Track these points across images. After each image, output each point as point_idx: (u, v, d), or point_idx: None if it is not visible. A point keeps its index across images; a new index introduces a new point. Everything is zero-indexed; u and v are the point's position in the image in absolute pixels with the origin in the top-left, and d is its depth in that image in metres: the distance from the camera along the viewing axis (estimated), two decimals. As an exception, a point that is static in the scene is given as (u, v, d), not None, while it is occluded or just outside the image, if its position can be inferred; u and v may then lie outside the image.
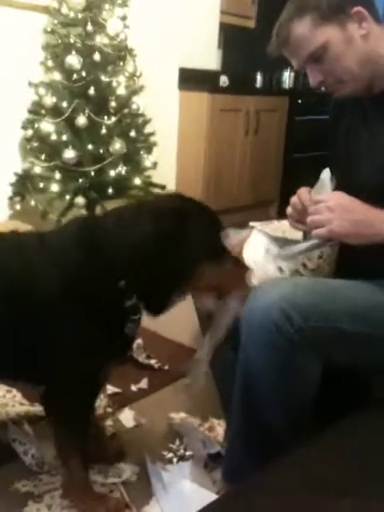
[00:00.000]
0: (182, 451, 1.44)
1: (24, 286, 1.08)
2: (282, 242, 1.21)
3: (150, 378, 1.78)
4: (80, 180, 2.69)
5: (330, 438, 0.97)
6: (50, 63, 2.69)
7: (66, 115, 2.63)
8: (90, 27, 2.63)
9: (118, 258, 1.07)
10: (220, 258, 1.13)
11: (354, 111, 1.29)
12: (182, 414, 1.60)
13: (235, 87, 3.88)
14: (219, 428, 1.53)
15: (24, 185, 2.77)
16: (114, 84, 2.72)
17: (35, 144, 2.73)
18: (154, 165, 3.01)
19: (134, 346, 1.89)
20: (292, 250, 1.16)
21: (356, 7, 1.13)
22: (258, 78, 4.37)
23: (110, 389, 1.69)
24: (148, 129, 2.99)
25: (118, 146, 2.66)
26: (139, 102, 2.84)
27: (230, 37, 4.14)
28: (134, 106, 2.81)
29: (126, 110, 2.79)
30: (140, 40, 2.99)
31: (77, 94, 2.65)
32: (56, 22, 2.68)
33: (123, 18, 2.72)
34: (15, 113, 2.76)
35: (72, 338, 1.09)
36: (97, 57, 2.64)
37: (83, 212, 2.92)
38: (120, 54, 2.76)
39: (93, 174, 2.70)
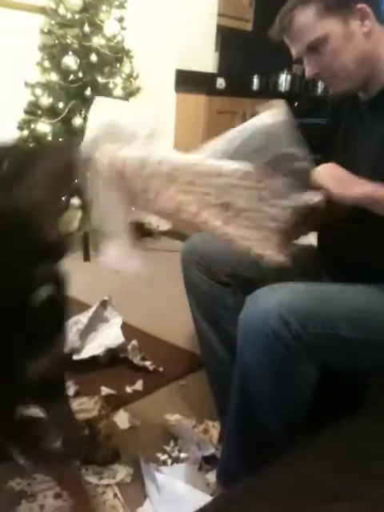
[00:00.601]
0: (176, 453, 1.44)
1: None
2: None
3: (144, 380, 1.77)
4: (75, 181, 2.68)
5: (324, 441, 0.97)
6: (46, 64, 2.69)
7: (63, 116, 2.63)
8: (87, 28, 2.63)
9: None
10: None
11: (351, 114, 1.29)
12: (177, 416, 1.60)
13: (232, 90, 3.89)
14: (214, 430, 1.53)
15: (20, 185, 2.76)
16: (111, 85, 2.72)
17: (31, 145, 2.72)
18: (151, 166, 3.01)
19: (129, 347, 1.89)
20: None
21: (360, 4, 1.13)
22: (255, 80, 4.38)
23: (105, 390, 1.68)
24: (144, 130, 2.99)
25: (114, 147, 2.65)
26: (136, 104, 2.84)
27: (227, 39, 4.15)
28: (131, 108, 2.81)
29: (122, 112, 2.79)
30: (137, 42, 2.99)
31: (73, 95, 2.65)
32: (53, 22, 2.67)
33: (120, 20, 2.72)
34: (11, 113, 2.75)
35: None
36: (94, 58, 2.64)
37: (78, 213, 2.92)
38: (117, 55, 2.76)
39: (89, 175, 2.69)
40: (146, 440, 1.50)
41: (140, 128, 1.05)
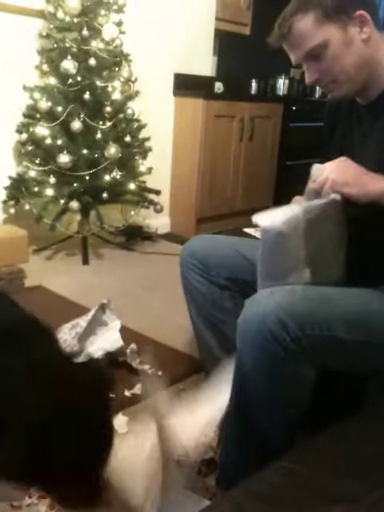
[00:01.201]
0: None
1: None
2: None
3: (143, 384, 1.77)
4: (74, 184, 2.69)
5: (322, 443, 0.97)
6: (45, 67, 2.70)
7: (61, 119, 2.63)
8: (85, 32, 2.63)
9: None
10: None
11: (349, 116, 1.30)
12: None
13: (230, 93, 3.90)
14: (213, 434, 1.53)
15: (18, 189, 2.76)
16: (110, 89, 2.72)
17: (30, 148, 2.73)
18: (149, 170, 3.01)
19: (128, 351, 1.89)
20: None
21: (359, 11, 1.14)
22: (253, 84, 4.39)
23: (104, 394, 1.68)
24: (143, 134, 3.00)
25: (112, 150, 2.66)
26: (134, 108, 2.84)
27: (225, 43, 4.16)
28: (129, 111, 2.81)
29: (121, 115, 2.79)
30: (135, 45, 3.01)
31: (72, 99, 2.66)
32: (52, 26, 2.68)
33: (119, 24, 2.73)
34: (10, 117, 2.76)
35: None
36: (92, 62, 2.64)
37: (77, 216, 2.92)
38: (115, 59, 2.76)
39: (87, 178, 2.70)
40: (144, 443, 1.49)
41: None
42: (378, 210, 1.08)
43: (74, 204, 2.64)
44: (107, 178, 2.74)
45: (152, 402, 1.10)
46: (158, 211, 3.11)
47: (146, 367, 1.85)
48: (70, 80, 2.63)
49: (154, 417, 1.06)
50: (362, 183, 1.07)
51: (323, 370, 1.14)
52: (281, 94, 4.60)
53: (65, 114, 2.62)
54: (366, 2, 1.17)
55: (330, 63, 1.17)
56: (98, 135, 2.70)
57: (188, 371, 1.86)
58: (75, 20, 2.62)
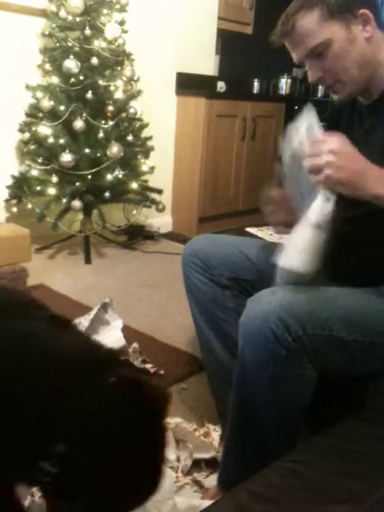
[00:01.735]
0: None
1: None
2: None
3: (145, 383, 1.77)
4: (77, 183, 2.69)
5: (323, 443, 0.97)
6: (47, 66, 2.70)
7: (64, 119, 2.63)
8: (88, 31, 2.64)
9: None
10: None
11: (351, 117, 1.30)
12: (178, 419, 1.60)
13: (232, 93, 3.90)
14: (215, 433, 1.53)
15: (21, 188, 2.77)
16: (112, 88, 2.72)
17: (32, 147, 2.73)
18: (151, 169, 3.01)
19: (130, 350, 1.90)
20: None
21: (363, 9, 1.14)
22: (255, 83, 4.39)
23: (105, 393, 1.68)
24: (145, 133, 3.00)
25: (115, 149, 2.66)
26: (137, 107, 2.84)
27: (228, 43, 4.16)
28: (132, 111, 2.82)
29: (123, 114, 2.79)
30: (138, 45, 3.01)
31: (74, 98, 2.66)
32: (54, 25, 2.68)
33: (121, 23, 2.73)
34: (12, 115, 2.76)
35: None
36: (95, 61, 2.64)
37: (80, 215, 2.92)
38: (118, 58, 2.76)
39: (90, 177, 2.70)
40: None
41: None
42: (378, 209, 1.08)
43: (77, 203, 2.65)
44: (109, 177, 2.74)
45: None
46: (160, 210, 3.11)
47: (148, 366, 1.86)
48: (73, 79, 2.63)
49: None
50: (356, 187, 1.02)
51: (325, 371, 1.14)
52: (283, 93, 4.60)
53: (67, 113, 2.62)
54: (369, 1, 1.17)
55: (332, 61, 1.16)
56: (101, 134, 2.70)
57: (190, 370, 1.86)
58: (78, 19, 2.63)
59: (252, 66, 4.37)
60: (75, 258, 2.96)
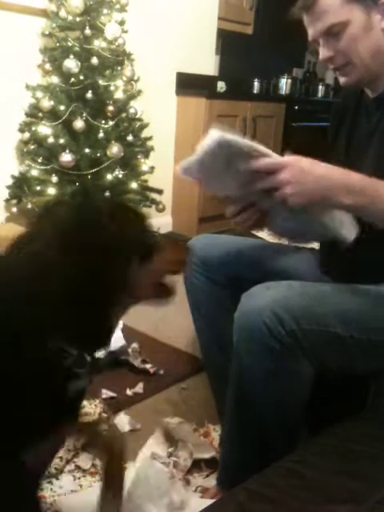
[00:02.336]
0: (166, 455, 1.43)
1: None
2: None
3: (145, 383, 1.77)
4: (77, 183, 2.68)
5: (323, 443, 0.97)
6: (47, 66, 2.69)
7: (64, 118, 2.63)
8: (88, 31, 2.63)
9: (44, 316, 0.80)
10: (151, 251, 0.94)
11: (356, 113, 1.30)
12: (178, 419, 1.60)
13: (232, 93, 3.90)
14: (215, 434, 1.53)
15: (20, 187, 2.76)
16: (112, 88, 2.72)
17: (32, 147, 2.72)
18: (151, 169, 3.01)
19: (130, 350, 1.89)
20: None
21: None
22: (256, 84, 4.39)
23: (106, 393, 1.68)
24: (145, 133, 2.99)
25: (115, 149, 2.66)
26: (137, 107, 2.84)
27: (228, 43, 4.16)
28: (132, 111, 2.81)
29: (123, 114, 2.79)
30: (138, 44, 3.00)
31: (74, 98, 2.65)
32: (54, 25, 2.67)
33: (121, 23, 2.72)
34: (12, 115, 2.75)
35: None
36: (95, 61, 2.64)
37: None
38: (118, 58, 2.76)
39: (90, 177, 2.70)
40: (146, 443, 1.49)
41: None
42: None
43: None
44: (109, 177, 2.74)
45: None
46: (160, 210, 3.11)
47: (148, 366, 1.85)
48: (73, 79, 2.62)
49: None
50: (324, 201, 1.01)
51: (324, 369, 1.14)
52: (283, 93, 4.60)
53: (67, 113, 2.62)
54: None
55: (346, 43, 1.16)
56: (101, 134, 2.70)
57: (190, 371, 1.86)
58: (78, 19, 2.62)
59: (252, 66, 4.37)
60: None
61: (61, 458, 1.39)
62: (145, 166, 2.96)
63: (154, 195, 3.08)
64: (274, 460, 0.93)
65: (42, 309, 0.80)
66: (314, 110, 4.26)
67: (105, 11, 2.66)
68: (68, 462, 1.39)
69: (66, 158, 2.59)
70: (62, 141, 2.64)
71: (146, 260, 0.92)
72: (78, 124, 2.60)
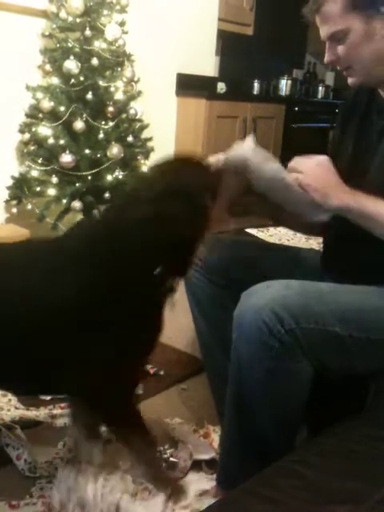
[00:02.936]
0: (165, 456, 1.43)
1: (55, 298, 1.04)
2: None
3: (145, 384, 1.77)
4: (77, 184, 2.68)
5: (323, 444, 0.97)
6: (47, 67, 2.69)
7: (64, 119, 2.63)
8: (88, 32, 2.63)
9: (146, 250, 1.06)
10: (217, 186, 1.15)
11: (368, 109, 1.31)
12: (178, 420, 1.59)
13: (233, 94, 3.90)
14: (215, 434, 1.52)
15: (20, 188, 2.76)
16: (112, 89, 2.72)
17: (32, 148, 2.72)
18: (151, 170, 3.01)
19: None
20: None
21: None
22: (256, 85, 4.39)
23: (105, 394, 1.68)
24: (145, 134, 3.00)
25: (115, 150, 2.66)
26: (137, 108, 2.84)
27: (228, 44, 4.16)
28: (132, 112, 2.81)
29: (123, 115, 2.79)
30: (138, 46, 3.00)
31: (74, 99, 2.65)
32: (54, 26, 2.67)
33: (122, 24, 2.73)
34: (12, 116, 2.75)
35: (123, 344, 1.10)
36: (95, 62, 2.64)
37: (80, 216, 2.92)
38: (118, 59, 2.76)
39: (90, 178, 2.70)
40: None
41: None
42: None
43: (77, 204, 2.64)
44: (109, 177, 2.74)
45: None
46: (160, 211, 3.11)
47: (148, 366, 1.85)
48: (73, 80, 2.62)
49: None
50: (327, 195, 1.12)
51: (323, 368, 1.14)
52: (283, 94, 4.60)
53: (67, 114, 2.62)
54: None
55: (347, 50, 1.19)
56: (101, 135, 2.70)
57: (190, 371, 1.86)
58: (78, 20, 2.62)
59: (252, 67, 4.37)
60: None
61: (61, 458, 1.39)
62: (145, 167, 2.96)
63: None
64: (274, 460, 0.93)
65: (150, 246, 1.05)
66: (313, 111, 4.26)
67: (105, 12, 2.66)
68: (68, 462, 1.39)
69: (66, 158, 2.59)
70: (62, 142, 2.64)
71: (215, 194, 1.13)
72: (78, 125, 2.60)
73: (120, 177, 2.78)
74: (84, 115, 2.64)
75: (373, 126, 1.28)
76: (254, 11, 4.04)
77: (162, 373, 1.85)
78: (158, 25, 3.33)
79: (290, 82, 4.62)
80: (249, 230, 3.65)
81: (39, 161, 2.71)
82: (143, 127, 2.96)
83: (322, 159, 1.17)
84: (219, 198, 1.13)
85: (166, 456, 1.42)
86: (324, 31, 1.21)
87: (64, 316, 1.04)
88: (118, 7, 2.71)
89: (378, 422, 1.04)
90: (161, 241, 1.05)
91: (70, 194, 2.67)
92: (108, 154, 2.66)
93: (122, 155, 2.70)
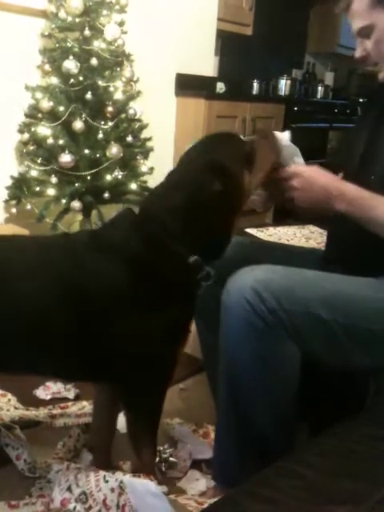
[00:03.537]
0: (165, 455, 1.43)
1: (95, 286, 1.08)
2: None
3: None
4: (76, 184, 2.68)
5: (324, 443, 0.97)
6: (47, 67, 2.69)
7: (63, 119, 2.63)
8: (87, 32, 2.63)
9: (183, 238, 1.10)
10: (252, 158, 1.17)
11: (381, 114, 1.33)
12: (177, 420, 1.59)
13: (232, 94, 3.90)
14: (214, 434, 1.52)
15: (20, 188, 2.76)
16: (111, 89, 2.72)
17: (31, 148, 2.72)
18: (151, 170, 3.01)
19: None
20: None
21: None
22: (255, 85, 4.39)
23: (105, 394, 1.68)
24: (145, 134, 2.99)
25: (114, 150, 2.66)
26: (136, 108, 2.84)
27: (227, 44, 4.17)
28: (131, 111, 2.81)
29: (122, 115, 2.79)
30: (137, 45, 3.00)
31: (74, 99, 2.65)
32: (53, 26, 2.67)
33: (121, 24, 2.73)
34: (12, 116, 2.75)
35: (159, 331, 1.11)
36: (94, 62, 2.64)
37: (79, 216, 2.92)
38: (117, 59, 2.76)
39: (89, 178, 2.70)
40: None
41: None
42: None
43: (76, 204, 2.64)
44: (109, 177, 2.74)
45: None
46: (160, 211, 3.11)
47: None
48: (72, 80, 2.62)
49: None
50: (322, 206, 1.20)
51: (314, 355, 1.14)
52: (282, 94, 4.61)
53: (67, 114, 2.62)
54: None
55: (374, 45, 1.24)
56: (100, 135, 2.70)
57: (189, 371, 1.86)
58: (77, 20, 2.62)
59: (251, 67, 4.38)
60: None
61: (61, 458, 1.39)
62: (144, 167, 2.96)
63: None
64: (269, 453, 0.93)
65: (187, 234, 1.10)
66: (313, 110, 4.26)
67: (104, 12, 2.66)
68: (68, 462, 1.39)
69: (66, 158, 2.59)
70: (61, 141, 2.64)
71: (252, 167, 1.16)
72: (78, 125, 2.60)
73: (119, 177, 2.78)
74: (83, 115, 2.63)
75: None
76: (253, 11, 4.04)
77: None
78: (157, 25, 3.33)
79: (289, 81, 4.62)
80: (248, 230, 3.65)
81: (38, 161, 2.71)
82: (142, 127, 2.96)
83: (312, 171, 1.20)
84: (255, 172, 1.16)
85: (165, 456, 1.42)
86: (353, 27, 1.26)
87: (112, 303, 1.08)
88: (117, 7, 2.71)
89: (378, 422, 1.04)
90: (198, 224, 1.10)
91: (70, 193, 2.67)
92: (107, 153, 2.66)
93: (122, 155, 2.70)
